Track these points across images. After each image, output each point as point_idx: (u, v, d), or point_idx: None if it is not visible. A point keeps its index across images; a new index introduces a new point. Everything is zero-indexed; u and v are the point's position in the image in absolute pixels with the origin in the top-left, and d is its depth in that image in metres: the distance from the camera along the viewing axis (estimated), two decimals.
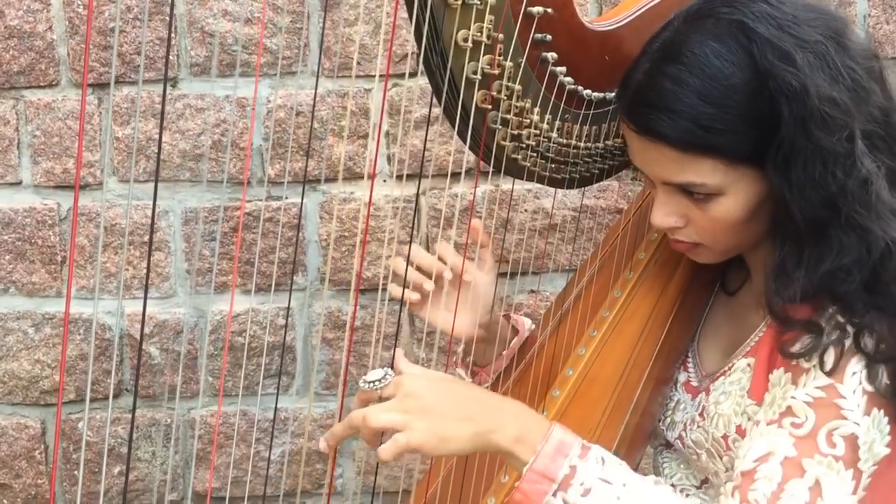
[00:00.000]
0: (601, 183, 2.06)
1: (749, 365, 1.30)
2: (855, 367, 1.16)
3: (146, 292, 1.28)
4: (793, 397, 1.17)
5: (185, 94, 2.01)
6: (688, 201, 1.24)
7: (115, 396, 2.11)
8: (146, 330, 2.07)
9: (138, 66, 1.99)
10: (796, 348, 1.18)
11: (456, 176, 2.06)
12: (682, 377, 1.44)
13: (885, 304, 1.17)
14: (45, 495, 2.13)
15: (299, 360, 2.13)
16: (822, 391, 1.16)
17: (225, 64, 2.01)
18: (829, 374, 1.16)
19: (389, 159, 2.06)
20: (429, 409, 1.13)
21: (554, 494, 1.12)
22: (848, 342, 1.16)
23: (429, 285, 1.41)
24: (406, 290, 1.42)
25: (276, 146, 2.03)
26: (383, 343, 2.09)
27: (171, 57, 1.99)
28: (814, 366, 1.17)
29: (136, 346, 2.07)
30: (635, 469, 1.41)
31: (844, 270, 1.17)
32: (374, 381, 1.17)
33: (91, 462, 2.13)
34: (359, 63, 2.02)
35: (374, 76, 2.02)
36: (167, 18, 1.98)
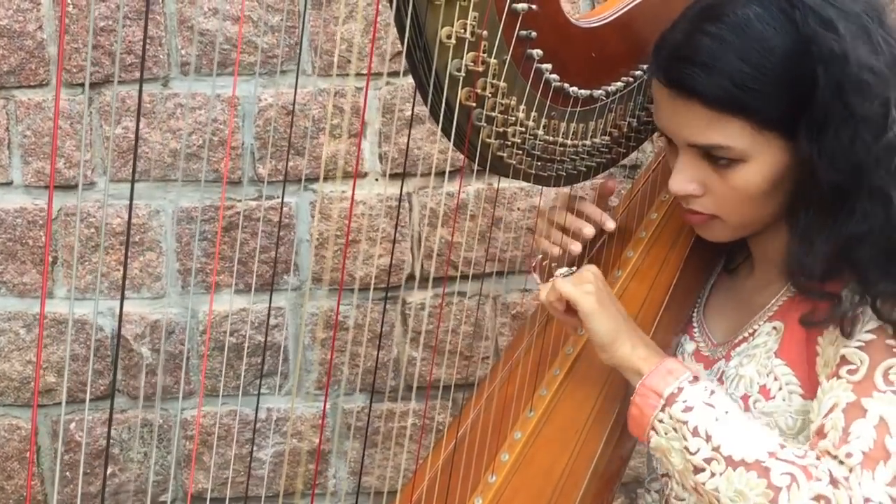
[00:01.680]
0: (595, 181, 2.07)
1: (775, 328, 1.30)
2: None
3: (123, 293, 1.28)
4: (845, 346, 1.20)
5: (175, 93, 2.00)
6: (709, 167, 1.26)
7: (105, 397, 2.10)
8: (138, 330, 2.06)
9: (129, 65, 1.99)
10: (816, 317, 1.22)
11: (448, 174, 2.05)
12: (689, 347, 1.44)
13: None
14: (37, 497, 2.13)
15: (291, 360, 2.12)
16: (872, 334, 1.19)
17: (216, 63, 2.00)
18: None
19: (381, 158, 2.05)
20: (598, 297, 1.28)
21: (662, 409, 1.22)
22: (867, 310, 1.19)
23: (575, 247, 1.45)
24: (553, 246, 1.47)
25: (267, 145, 2.02)
26: (374, 343, 2.09)
27: (161, 56, 1.98)
28: (861, 312, 1.19)
29: (127, 346, 2.06)
30: (633, 444, 1.43)
31: (864, 238, 1.19)
32: (568, 271, 1.33)
33: (84, 464, 2.12)
34: (349, 61, 2.01)
35: (364, 74, 2.01)
36: (156, 17, 1.97)
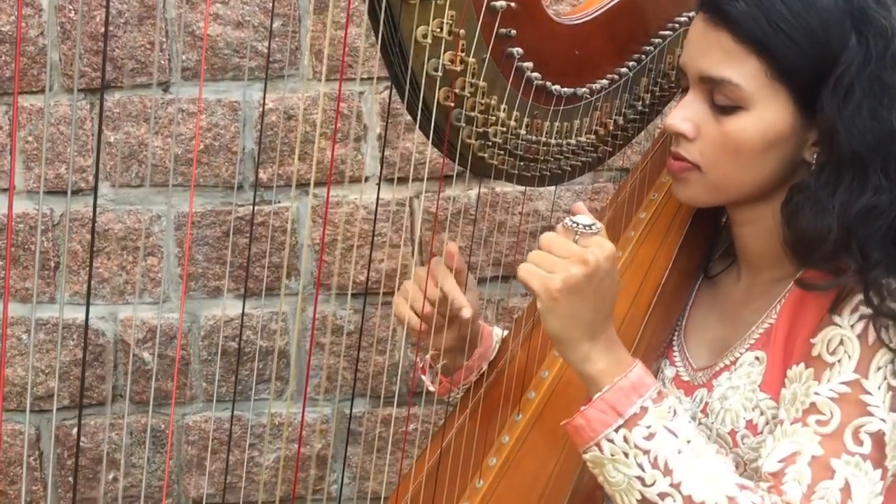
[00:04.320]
0: (595, 185, 2.05)
1: (758, 358, 1.28)
2: (880, 362, 1.17)
3: (88, 298, 1.27)
4: (816, 393, 1.17)
5: (176, 98, 2.00)
6: (710, 111, 1.25)
7: (104, 403, 2.10)
8: (139, 335, 2.06)
9: (130, 69, 1.99)
10: (813, 281, 1.20)
11: (449, 179, 2.03)
12: (669, 372, 1.41)
13: None
14: (39, 502, 2.13)
15: (293, 365, 2.11)
16: (847, 386, 1.17)
17: (216, 68, 2.00)
18: (855, 368, 1.17)
19: (382, 162, 2.04)
20: (579, 292, 1.15)
21: (616, 430, 1.16)
22: (859, 296, 1.17)
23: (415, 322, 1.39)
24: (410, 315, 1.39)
25: (267, 150, 2.02)
26: (376, 347, 2.08)
27: (162, 62, 1.98)
28: (838, 360, 1.17)
29: (128, 351, 2.06)
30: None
31: (878, 210, 1.18)
32: (581, 225, 1.18)
33: (85, 468, 2.12)
34: (350, 66, 2.00)
35: (365, 79, 2.01)
36: (157, 23, 1.97)
